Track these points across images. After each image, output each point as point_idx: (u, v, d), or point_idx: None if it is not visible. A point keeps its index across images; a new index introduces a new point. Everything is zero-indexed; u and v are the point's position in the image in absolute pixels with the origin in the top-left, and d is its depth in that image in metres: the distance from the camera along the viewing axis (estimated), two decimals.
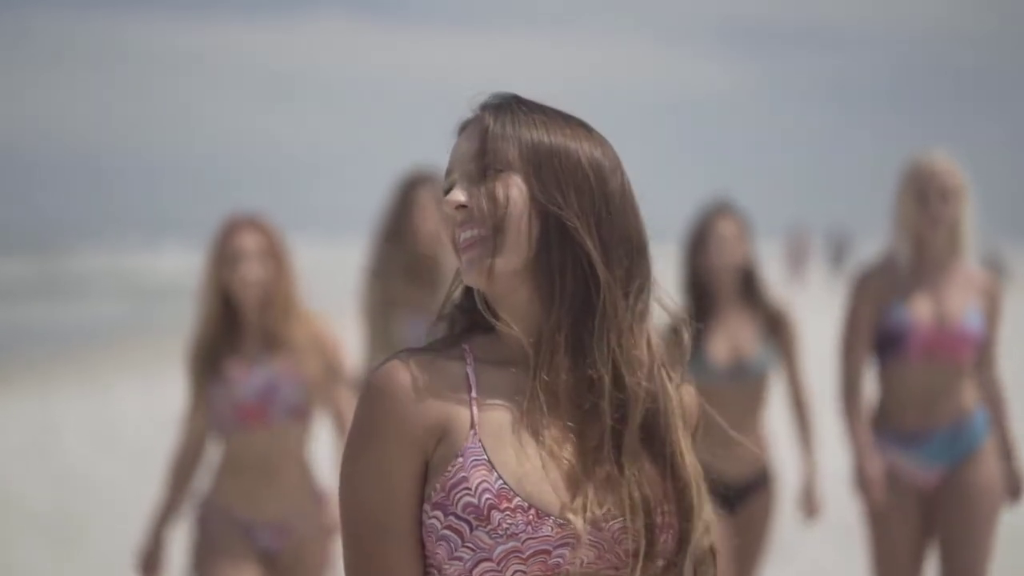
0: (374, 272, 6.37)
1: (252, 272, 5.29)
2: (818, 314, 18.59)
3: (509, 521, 2.04)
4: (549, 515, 2.05)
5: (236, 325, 5.33)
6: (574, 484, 2.07)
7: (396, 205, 6.51)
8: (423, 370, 2.10)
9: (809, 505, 6.00)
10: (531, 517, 2.04)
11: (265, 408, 5.24)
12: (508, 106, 2.17)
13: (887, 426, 5.53)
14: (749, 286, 5.99)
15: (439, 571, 2.09)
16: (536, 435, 2.09)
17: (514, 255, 2.12)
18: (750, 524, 5.88)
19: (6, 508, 10.36)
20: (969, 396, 5.51)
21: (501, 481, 2.05)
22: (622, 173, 2.18)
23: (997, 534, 5.48)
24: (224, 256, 5.31)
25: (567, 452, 2.09)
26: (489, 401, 2.11)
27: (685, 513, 2.11)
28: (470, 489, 2.05)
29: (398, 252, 6.35)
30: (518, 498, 2.05)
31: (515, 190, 2.12)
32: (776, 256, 41.66)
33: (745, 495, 5.85)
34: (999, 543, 5.59)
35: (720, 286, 5.96)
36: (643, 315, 2.15)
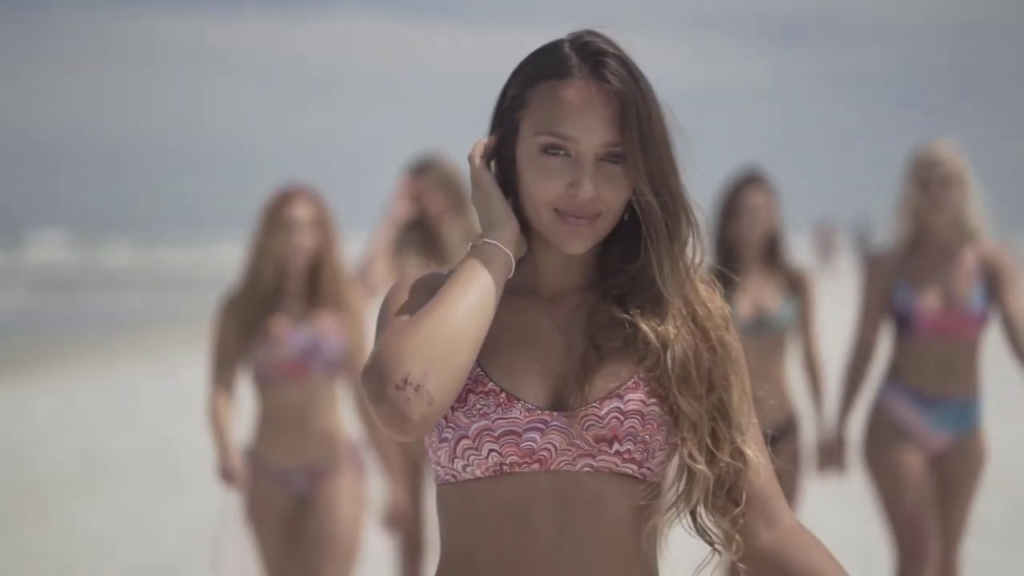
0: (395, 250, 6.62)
1: (304, 240, 5.43)
2: (846, 301, 18.98)
3: (482, 403, 2.16)
4: (519, 399, 2.17)
5: (280, 288, 5.47)
6: (553, 376, 2.19)
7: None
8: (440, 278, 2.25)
9: (821, 458, 6.03)
10: (502, 400, 2.17)
11: (306, 365, 5.39)
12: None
13: (905, 384, 5.64)
14: (774, 250, 6.15)
15: (439, 464, 2.23)
16: (535, 341, 2.22)
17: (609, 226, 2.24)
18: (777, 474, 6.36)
19: (106, 460, 11.91)
20: (978, 377, 5.65)
21: (479, 369, 2.18)
22: None
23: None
24: (278, 224, 5.44)
25: (566, 353, 2.21)
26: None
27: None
28: None
29: (411, 234, 6.56)
30: (491, 383, 2.17)
31: (633, 187, 2.20)
32: (805, 248, 41.96)
33: (770, 445, 6.33)
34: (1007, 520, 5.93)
35: (748, 251, 6.12)
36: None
